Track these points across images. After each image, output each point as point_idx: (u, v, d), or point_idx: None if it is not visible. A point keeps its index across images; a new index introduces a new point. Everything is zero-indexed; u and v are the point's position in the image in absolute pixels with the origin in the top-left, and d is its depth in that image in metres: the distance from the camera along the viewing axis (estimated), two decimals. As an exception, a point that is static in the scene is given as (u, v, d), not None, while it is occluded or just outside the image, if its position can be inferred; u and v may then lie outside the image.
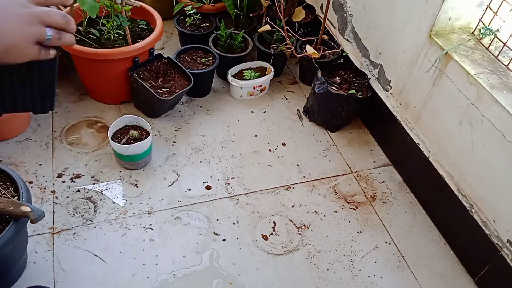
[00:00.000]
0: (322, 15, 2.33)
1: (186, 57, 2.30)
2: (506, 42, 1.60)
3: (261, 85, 2.34)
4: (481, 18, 1.69)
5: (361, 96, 2.10)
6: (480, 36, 1.72)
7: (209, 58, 2.29)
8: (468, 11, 1.73)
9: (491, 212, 1.58)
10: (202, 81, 2.26)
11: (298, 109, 2.34)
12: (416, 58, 1.85)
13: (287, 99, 2.40)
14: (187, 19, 2.42)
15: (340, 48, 2.35)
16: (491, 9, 1.62)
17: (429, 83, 1.80)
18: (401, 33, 1.91)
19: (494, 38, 1.67)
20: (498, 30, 1.64)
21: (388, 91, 2.08)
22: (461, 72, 1.63)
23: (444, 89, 1.73)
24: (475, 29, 1.76)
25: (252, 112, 2.29)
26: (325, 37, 2.41)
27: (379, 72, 2.12)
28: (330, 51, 2.37)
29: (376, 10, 2.06)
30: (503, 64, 1.60)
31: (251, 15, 2.55)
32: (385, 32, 2.02)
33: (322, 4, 2.54)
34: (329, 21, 2.48)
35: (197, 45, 2.34)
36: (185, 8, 2.36)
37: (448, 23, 1.75)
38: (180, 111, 2.23)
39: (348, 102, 2.12)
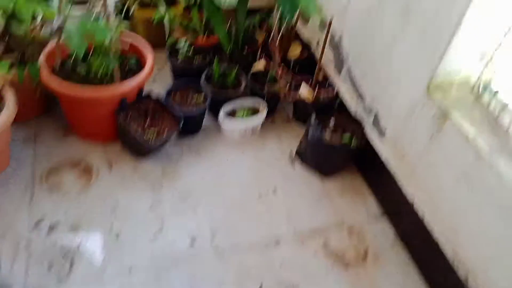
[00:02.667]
0: (318, 52, 2.27)
1: (177, 95, 2.22)
2: (507, 105, 1.53)
3: (253, 125, 2.27)
4: (481, 74, 1.63)
5: (355, 147, 2.03)
6: (480, 93, 1.66)
7: (201, 97, 2.22)
8: (469, 64, 1.66)
9: (488, 283, 1.51)
10: (193, 121, 2.19)
11: (291, 151, 2.26)
12: (413, 111, 1.79)
13: (279, 139, 2.33)
14: (179, 52, 2.35)
15: (336, 89, 2.28)
16: (492, 64, 1.56)
17: (426, 138, 1.73)
18: (398, 83, 1.85)
19: (494, 95, 1.61)
20: (497, 92, 1.58)
21: (383, 140, 2.01)
22: (460, 131, 1.57)
23: (442, 146, 1.66)
24: (475, 85, 1.70)
25: (243, 153, 2.21)
26: (320, 76, 2.35)
27: (375, 119, 2.06)
28: (325, 92, 2.30)
29: (372, 57, 2.00)
30: (503, 125, 1.54)
31: (246, 49, 2.48)
32: (381, 79, 1.95)
33: (318, 40, 2.48)
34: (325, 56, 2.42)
35: (189, 82, 2.27)
36: (177, 46, 2.29)
37: (447, 77, 1.68)
38: (168, 151, 2.15)
39: (341, 152, 2.05)
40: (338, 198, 2.06)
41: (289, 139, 2.33)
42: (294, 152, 2.26)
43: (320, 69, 2.27)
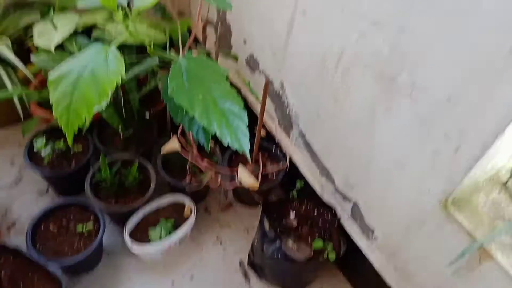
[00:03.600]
0: (252, 99, 1.54)
1: (51, 226, 1.42)
2: None
3: (179, 237, 1.54)
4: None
5: (333, 257, 1.37)
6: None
7: (88, 222, 1.44)
8: (502, 160, 1.04)
9: None
10: (83, 264, 1.43)
11: (240, 262, 1.58)
12: (420, 225, 1.15)
13: (221, 242, 1.63)
14: (42, 155, 1.51)
15: (287, 160, 1.59)
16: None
17: (447, 270, 1.12)
18: (390, 179, 1.19)
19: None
20: None
21: (372, 245, 1.37)
22: (503, 274, 0.96)
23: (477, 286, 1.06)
24: (507, 181, 1.08)
25: (173, 283, 1.50)
26: (263, 133, 1.63)
27: (354, 211, 1.41)
28: (273, 167, 1.60)
29: (338, 126, 1.31)
30: None
31: (147, 115, 1.69)
32: (358, 161, 1.28)
33: (249, 81, 1.72)
34: (266, 112, 1.69)
35: (68, 195, 1.48)
36: (36, 145, 1.45)
37: (472, 183, 1.04)
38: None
39: (314, 267, 1.40)
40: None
41: (235, 241, 1.64)
42: (247, 263, 1.58)
43: (259, 140, 1.54)
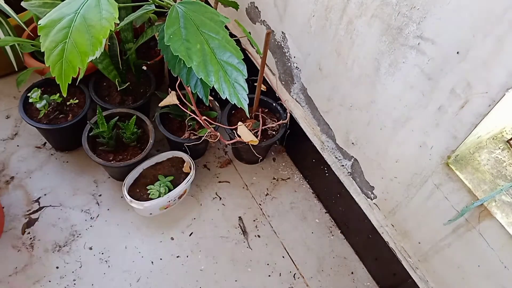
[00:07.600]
0: (252, 50, 1.50)
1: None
2: None
3: (178, 193, 1.54)
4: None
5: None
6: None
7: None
8: (507, 118, 1.01)
9: None
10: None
11: (240, 218, 1.59)
12: (420, 183, 1.14)
13: (220, 198, 1.63)
14: (37, 107, 1.48)
15: (288, 116, 1.56)
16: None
17: (446, 228, 1.12)
18: (392, 136, 1.16)
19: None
20: None
21: (371, 199, 1.37)
22: (502, 233, 0.96)
23: (473, 246, 1.06)
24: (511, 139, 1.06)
25: (172, 239, 1.51)
26: (263, 87, 1.59)
27: (354, 168, 1.39)
28: (272, 123, 1.58)
29: (341, 80, 1.27)
30: None
31: (144, 67, 1.64)
32: (359, 118, 1.26)
33: (250, 32, 1.66)
34: (267, 65, 1.64)
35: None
36: (30, 99, 1.41)
37: (475, 141, 1.02)
38: (58, 267, 1.41)
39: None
40: (317, 279, 1.46)
41: (234, 197, 1.64)
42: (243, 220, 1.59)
43: (259, 95, 1.50)
